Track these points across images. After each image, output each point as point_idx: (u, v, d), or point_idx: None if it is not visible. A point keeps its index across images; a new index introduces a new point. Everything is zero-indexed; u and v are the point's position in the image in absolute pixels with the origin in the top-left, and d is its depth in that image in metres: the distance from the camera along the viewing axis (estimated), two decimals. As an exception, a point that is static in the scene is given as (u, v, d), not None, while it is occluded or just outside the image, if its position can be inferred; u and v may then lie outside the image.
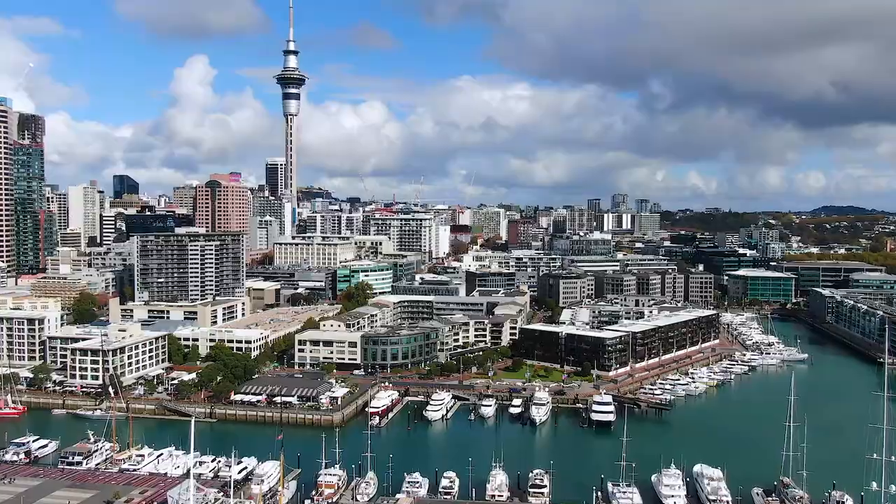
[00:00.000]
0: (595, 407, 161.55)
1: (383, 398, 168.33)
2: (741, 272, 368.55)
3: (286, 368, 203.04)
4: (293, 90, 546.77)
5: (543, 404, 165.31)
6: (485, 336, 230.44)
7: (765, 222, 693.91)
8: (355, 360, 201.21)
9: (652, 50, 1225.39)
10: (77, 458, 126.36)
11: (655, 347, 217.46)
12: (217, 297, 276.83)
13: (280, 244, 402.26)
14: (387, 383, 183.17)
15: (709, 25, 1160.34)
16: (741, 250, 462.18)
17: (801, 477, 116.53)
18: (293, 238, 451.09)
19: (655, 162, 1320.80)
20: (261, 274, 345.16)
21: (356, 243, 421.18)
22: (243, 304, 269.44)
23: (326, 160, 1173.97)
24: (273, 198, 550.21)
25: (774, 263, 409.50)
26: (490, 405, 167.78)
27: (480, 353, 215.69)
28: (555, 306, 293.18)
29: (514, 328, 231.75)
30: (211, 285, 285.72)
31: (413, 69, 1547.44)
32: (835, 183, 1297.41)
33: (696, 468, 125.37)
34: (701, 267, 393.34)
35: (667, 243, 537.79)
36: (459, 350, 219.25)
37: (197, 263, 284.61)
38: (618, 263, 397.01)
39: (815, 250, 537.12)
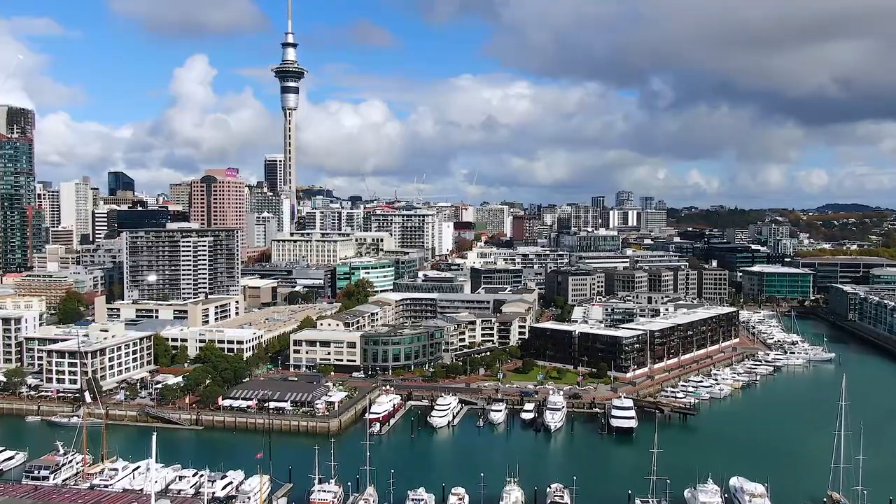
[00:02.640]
0: (615, 412, 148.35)
1: (384, 403, 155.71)
2: (756, 268, 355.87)
3: (281, 371, 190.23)
4: (292, 84, 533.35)
5: (558, 409, 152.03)
6: (492, 335, 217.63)
7: (772, 219, 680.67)
8: (354, 361, 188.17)
9: (652, 47, 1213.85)
10: (43, 473, 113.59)
11: (674, 347, 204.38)
12: (210, 296, 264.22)
13: (278, 241, 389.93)
14: (388, 386, 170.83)
15: (709, 22, 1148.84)
16: (754, 246, 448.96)
17: (855, 493, 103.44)
18: (291, 235, 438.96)
19: (657, 160, 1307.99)
20: (258, 272, 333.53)
21: (357, 240, 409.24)
22: (237, 302, 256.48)
23: (327, 160, 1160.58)
24: (272, 194, 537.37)
25: (789, 259, 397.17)
26: (500, 410, 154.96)
27: (488, 353, 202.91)
28: (564, 304, 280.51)
29: (524, 327, 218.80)
30: (204, 283, 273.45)
31: (413, 68, 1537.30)
32: (837, 180, 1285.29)
33: (734, 482, 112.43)
34: (714, 263, 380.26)
35: (676, 239, 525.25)
36: (466, 350, 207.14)
37: (189, 260, 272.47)
38: (627, 260, 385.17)
39: (827, 246, 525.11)
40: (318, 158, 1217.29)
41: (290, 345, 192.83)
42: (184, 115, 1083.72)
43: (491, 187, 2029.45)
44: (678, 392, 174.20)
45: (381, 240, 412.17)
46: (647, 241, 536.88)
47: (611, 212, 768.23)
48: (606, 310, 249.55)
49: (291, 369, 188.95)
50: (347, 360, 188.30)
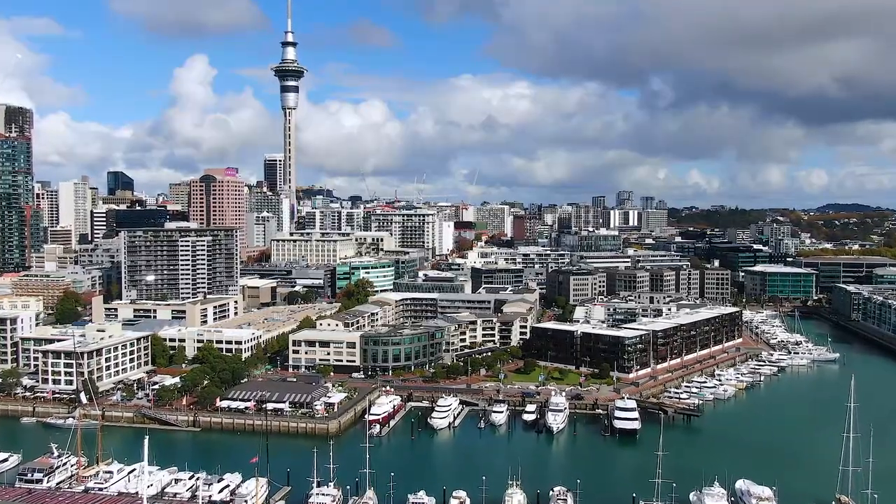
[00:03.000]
0: (618, 413, 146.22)
1: (384, 404, 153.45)
2: (758, 268, 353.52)
3: (280, 371, 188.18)
4: (291, 83, 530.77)
5: (560, 410, 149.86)
6: (493, 336, 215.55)
7: (773, 219, 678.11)
8: (354, 361, 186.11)
9: (653, 47, 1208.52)
10: (36, 476, 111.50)
11: (677, 347, 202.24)
12: (209, 296, 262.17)
13: (277, 240, 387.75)
14: (388, 387, 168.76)
15: (710, 21, 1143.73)
16: (756, 246, 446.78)
17: (864, 496, 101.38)
18: (291, 234, 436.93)
19: (657, 160, 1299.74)
20: (257, 271, 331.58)
21: (356, 239, 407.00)
22: (236, 302, 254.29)
23: (327, 160, 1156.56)
24: (271, 194, 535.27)
25: (791, 259, 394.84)
26: (501, 411, 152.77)
27: (489, 353, 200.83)
28: (565, 304, 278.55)
29: (525, 327, 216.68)
30: (203, 283, 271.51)
31: (413, 68, 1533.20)
32: (837, 181, 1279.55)
33: (740, 484, 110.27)
34: (716, 263, 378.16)
35: (678, 239, 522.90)
36: (466, 351, 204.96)
37: (188, 260, 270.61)
38: (629, 259, 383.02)
39: (829, 246, 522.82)
40: (318, 158, 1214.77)
41: (290, 345, 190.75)
42: (184, 115, 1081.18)
43: (491, 187, 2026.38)
44: (682, 393, 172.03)
45: (381, 240, 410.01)
46: (649, 240, 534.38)
47: (611, 212, 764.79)
48: (608, 310, 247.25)
49: (290, 370, 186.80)
50: (347, 361, 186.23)
